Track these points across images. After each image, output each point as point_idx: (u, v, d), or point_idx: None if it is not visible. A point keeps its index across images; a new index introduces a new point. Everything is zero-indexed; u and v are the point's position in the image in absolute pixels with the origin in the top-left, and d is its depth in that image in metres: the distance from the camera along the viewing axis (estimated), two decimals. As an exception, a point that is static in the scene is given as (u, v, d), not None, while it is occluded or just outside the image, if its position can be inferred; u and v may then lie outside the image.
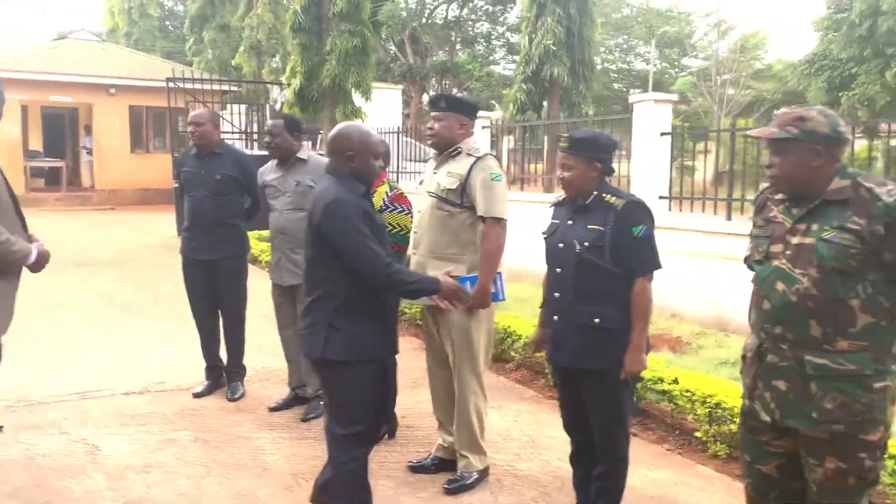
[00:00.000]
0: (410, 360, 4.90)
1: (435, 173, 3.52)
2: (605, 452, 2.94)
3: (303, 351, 2.94)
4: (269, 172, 4.47)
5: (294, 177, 4.33)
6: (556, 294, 2.98)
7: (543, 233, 3.11)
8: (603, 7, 32.95)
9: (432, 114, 3.48)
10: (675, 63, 35.19)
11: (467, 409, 3.50)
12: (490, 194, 3.34)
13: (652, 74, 32.30)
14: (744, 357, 2.48)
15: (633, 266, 2.84)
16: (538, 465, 3.86)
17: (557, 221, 3.04)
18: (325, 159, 4.53)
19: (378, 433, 3.12)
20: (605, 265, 2.84)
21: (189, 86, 12.92)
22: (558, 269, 2.98)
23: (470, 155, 3.43)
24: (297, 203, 4.27)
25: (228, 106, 17.35)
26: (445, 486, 3.52)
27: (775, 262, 2.30)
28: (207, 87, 13.47)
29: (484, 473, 3.62)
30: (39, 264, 3.12)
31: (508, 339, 5.59)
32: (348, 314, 2.77)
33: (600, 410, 2.92)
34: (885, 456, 2.95)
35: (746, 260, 2.47)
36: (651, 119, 7.70)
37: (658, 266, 2.90)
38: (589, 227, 2.89)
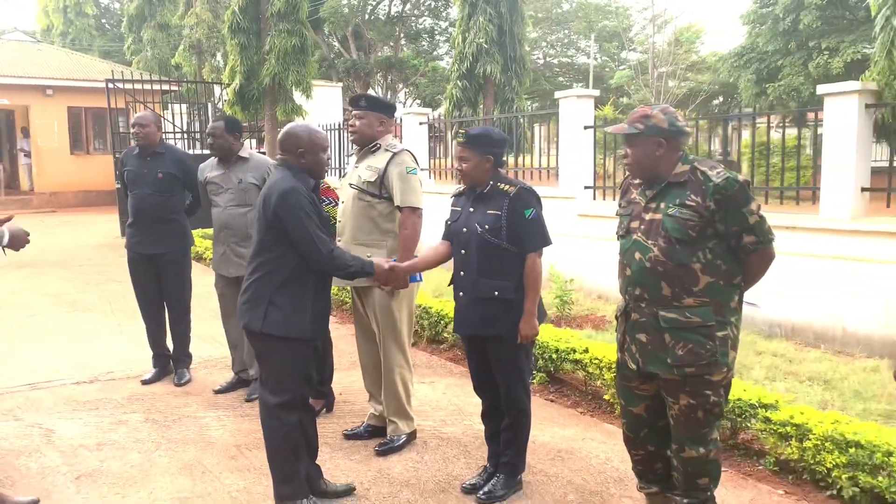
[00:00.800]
0: (350, 343, 5.27)
1: (356, 167, 3.89)
2: (510, 406, 3.36)
3: (241, 322, 3.19)
4: (210, 170, 4.77)
5: (236, 174, 4.64)
6: (462, 273, 3.38)
7: (447, 220, 3.51)
8: (543, 3, 33.65)
9: (353, 112, 3.84)
10: (615, 57, 36.06)
11: (394, 380, 3.88)
12: (406, 186, 3.72)
13: (592, 68, 33.06)
14: (616, 317, 2.93)
15: (525, 244, 3.26)
16: (461, 429, 4.27)
17: (459, 209, 3.45)
18: (266, 157, 4.88)
19: (307, 401, 3.38)
20: (502, 244, 3.25)
21: (129, 86, 12.95)
22: (463, 251, 3.37)
23: (387, 150, 3.80)
24: (239, 199, 4.61)
25: (170, 106, 17.35)
26: (376, 448, 3.91)
27: (634, 236, 2.77)
28: (148, 87, 13.49)
29: (411, 437, 4.02)
30: (16, 242, 3.30)
31: (442, 322, 5.98)
32: (288, 293, 3.07)
33: (503, 371, 3.34)
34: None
35: (616, 236, 2.92)
36: (575, 113, 8.17)
37: (547, 243, 3.30)
38: (488, 212, 3.29)
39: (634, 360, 2.80)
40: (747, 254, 2.67)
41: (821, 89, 6.12)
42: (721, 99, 31.11)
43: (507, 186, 3.28)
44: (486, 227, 3.26)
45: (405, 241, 3.71)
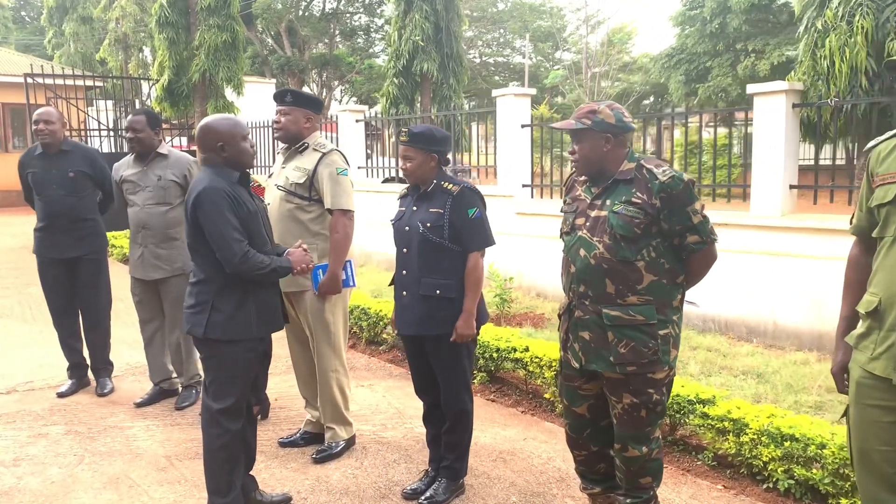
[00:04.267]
0: (284, 346, 5.09)
1: (283, 167, 3.73)
2: (450, 407, 3.29)
3: (185, 328, 3.07)
4: (125, 168, 4.50)
5: (155, 171, 4.40)
6: (404, 272, 3.30)
7: (392, 220, 3.42)
8: (479, 2, 33.79)
9: (278, 108, 3.68)
10: (549, 57, 36.51)
11: (330, 386, 3.76)
12: (337, 188, 3.59)
13: (528, 68, 33.37)
14: (559, 316, 2.89)
15: (467, 243, 3.20)
16: (402, 433, 4.18)
17: (404, 209, 3.37)
18: (185, 154, 4.66)
19: (250, 410, 3.28)
20: (444, 243, 3.18)
21: (50, 81, 12.37)
22: (405, 249, 3.30)
23: (316, 150, 3.67)
24: (159, 197, 4.38)
25: (94, 102, 16.68)
26: (314, 455, 3.78)
27: (579, 233, 2.72)
28: (70, 82, 12.91)
29: (350, 442, 3.91)
30: None
31: (381, 323, 5.88)
32: (229, 296, 2.96)
33: (443, 370, 3.26)
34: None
35: (560, 233, 2.88)
36: (512, 112, 8.17)
37: (490, 243, 3.25)
38: (430, 210, 3.23)
39: (577, 358, 2.76)
40: (690, 253, 2.66)
41: (750, 89, 6.25)
42: (652, 99, 31.84)
43: (450, 185, 3.22)
44: (428, 225, 3.19)
45: (336, 244, 3.59)
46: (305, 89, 32.21)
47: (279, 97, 3.70)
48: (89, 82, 15.20)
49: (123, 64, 20.29)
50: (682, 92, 21.27)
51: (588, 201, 2.74)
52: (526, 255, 7.77)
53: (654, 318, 2.62)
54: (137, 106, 16.28)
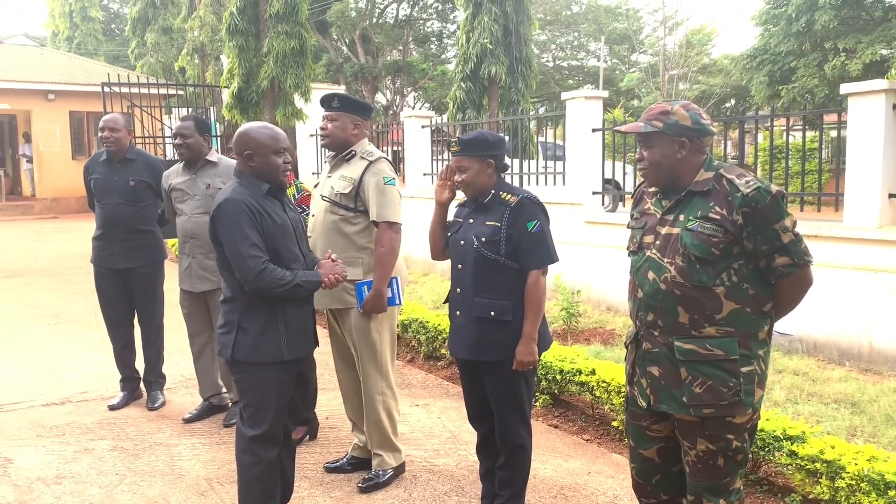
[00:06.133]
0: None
1: (329, 177, 3.51)
2: (505, 441, 2.99)
3: (217, 349, 2.93)
4: (175, 176, 4.38)
5: (204, 180, 4.26)
6: (458, 290, 3.03)
7: (449, 232, 3.15)
8: (552, 5, 33.30)
9: (324, 114, 3.46)
10: (625, 59, 35.67)
11: (376, 409, 3.51)
12: (383, 199, 3.34)
13: (602, 71, 32.67)
14: (626, 346, 2.55)
15: (527, 260, 2.90)
16: (455, 460, 3.90)
17: (461, 220, 3.10)
18: (235, 161, 4.50)
19: (288, 436, 3.09)
20: (500, 259, 2.90)
21: (126, 90, 12.67)
22: (459, 266, 3.03)
23: (363, 158, 3.43)
24: (207, 206, 4.21)
25: (172, 110, 17.08)
26: (359, 484, 3.54)
27: (647, 252, 2.37)
28: (145, 90, 13.21)
29: (399, 470, 3.64)
30: None
31: (440, 338, 5.62)
32: (255, 315, 2.78)
33: (498, 400, 2.97)
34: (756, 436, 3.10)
35: (627, 252, 2.54)
36: (582, 115, 7.80)
37: (552, 260, 2.94)
38: (487, 223, 2.95)
39: (645, 397, 2.41)
40: (779, 277, 2.27)
41: (845, 88, 5.72)
42: (733, 102, 30.68)
43: (509, 196, 2.94)
44: (483, 239, 2.92)
45: (382, 259, 3.34)
46: (379, 96, 32.44)
47: (326, 102, 3.48)
48: (164, 90, 15.53)
49: (201, 72, 20.75)
50: (765, 94, 20.33)
51: (658, 216, 2.38)
52: (595, 267, 7.38)
53: (735, 354, 2.25)
54: (213, 113, 16.57)
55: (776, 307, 2.33)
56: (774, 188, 2.22)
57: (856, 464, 3.09)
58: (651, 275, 2.34)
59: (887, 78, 5.98)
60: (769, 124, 8.26)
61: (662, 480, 2.53)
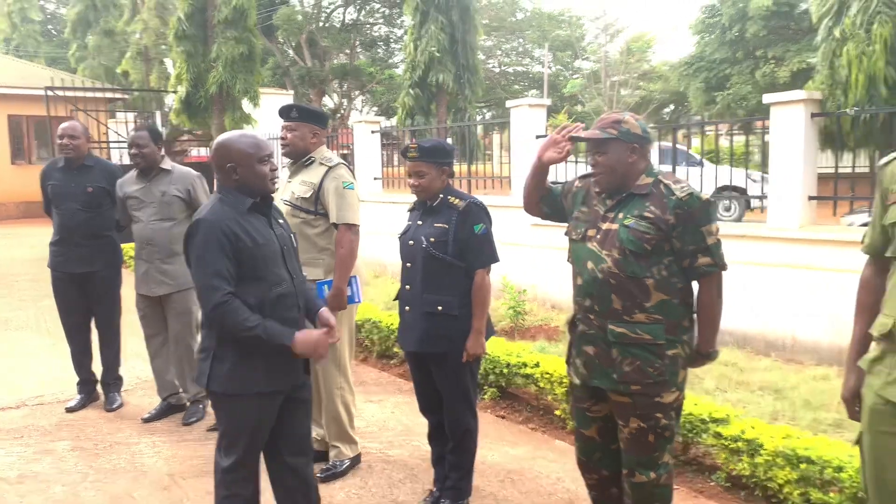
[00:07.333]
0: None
1: (289, 182, 3.70)
2: (453, 428, 3.23)
3: (195, 375, 2.77)
4: (129, 184, 4.48)
5: (159, 187, 4.39)
6: (408, 286, 3.26)
7: (399, 234, 3.37)
8: (497, 11, 33.79)
9: (284, 124, 3.65)
10: (569, 65, 36.39)
11: (334, 403, 3.71)
12: (342, 202, 3.55)
13: (547, 77, 33.29)
14: (567, 328, 2.82)
15: (473, 260, 3.14)
16: (409, 451, 4.12)
17: (410, 223, 3.32)
18: (189, 168, 4.64)
19: (290, 473, 2.81)
20: (448, 259, 3.13)
21: (70, 94, 12.52)
22: (409, 264, 3.25)
23: (322, 164, 3.63)
24: (163, 213, 4.36)
25: (116, 115, 16.87)
26: (318, 474, 3.72)
27: (589, 244, 2.65)
28: (90, 94, 13.06)
29: (356, 461, 3.85)
30: None
31: (392, 337, 5.82)
32: (231, 344, 2.56)
33: (446, 389, 3.21)
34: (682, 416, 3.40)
35: (568, 237, 2.80)
36: (527, 123, 8.11)
37: (496, 260, 3.20)
38: (435, 225, 3.18)
39: (579, 374, 2.69)
40: (700, 276, 2.57)
41: (767, 98, 6.14)
42: (673, 107, 31.61)
43: (456, 200, 3.18)
44: (432, 240, 3.15)
45: (341, 259, 3.54)
46: (326, 99, 32.38)
47: (284, 113, 3.67)
48: (109, 94, 15.36)
49: (145, 76, 20.51)
50: (702, 100, 21.08)
51: (601, 213, 2.66)
52: (541, 267, 7.68)
53: (661, 338, 2.54)
54: (159, 118, 16.44)
55: (700, 316, 2.62)
56: (705, 196, 2.53)
57: (773, 440, 3.42)
58: (590, 264, 2.61)
59: (806, 88, 6.41)
60: (703, 130, 8.72)
61: (603, 457, 2.80)
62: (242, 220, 2.57)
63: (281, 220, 2.78)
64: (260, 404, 2.61)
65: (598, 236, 2.62)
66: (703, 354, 2.67)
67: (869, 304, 2.21)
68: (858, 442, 2.17)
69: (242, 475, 2.65)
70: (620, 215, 2.59)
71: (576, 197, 2.83)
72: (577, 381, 2.71)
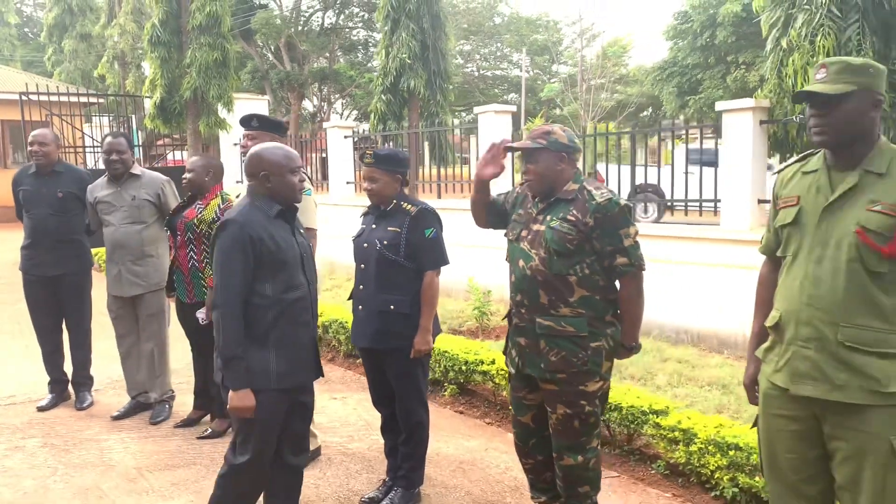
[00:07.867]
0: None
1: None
2: (405, 420, 3.42)
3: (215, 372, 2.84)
4: (100, 189, 4.65)
5: (129, 192, 4.56)
6: (361, 287, 3.45)
7: (353, 237, 3.57)
8: (475, 16, 34.08)
9: (245, 133, 3.84)
10: (546, 69, 36.77)
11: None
12: (301, 207, 3.73)
13: (524, 81, 33.63)
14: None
15: (423, 262, 3.34)
16: (367, 444, 4.31)
17: (364, 226, 3.52)
18: (157, 173, 4.81)
19: (291, 473, 2.97)
20: (400, 260, 3.33)
21: (45, 98, 12.57)
22: (363, 266, 3.44)
23: None
24: (134, 217, 4.54)
25: (92, 118, 16.89)
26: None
27: (521, 244, 2.88)
28: (66, 99, 13.11)
29: (315, 454, 4.03)
30: None
31: (358, 336, 5.99)
32: (247, 341, 2.68)
33: (398, 384, 3.40)
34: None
35: (505, 235, 3.04)
36: (493, 128, 8.32)
37: (445, 262, 3.40)
38: (389, 229, 3.38)
39: (513, 363, 2.93)
40: (619, 276, 2.80)
41: (719, 106, 6.40)
42: (650, 110, 32.04)
43: (409, 206, 3.37)
44: (385, 242, 3.33)
45: None
46: (306, 103, 32.48)
47: (246, 122, 3.86)
48: (85, 99, 15.40)
49: (121, 80, 20.54)
50: (675, 104, 21.47)
51: (533, 215, 2.89)
52: (505, 269, 7.86)
53: (584, 331, 2.76)
54: (135, 122, 16.48)
55: (624, 314, 2.85)
56: (623, 201, 2.76)
57: (706, 430, 3.64)
58: (521, 262, 2.85)
59: (755, 96, 6.69)
60: (669, 135, 8.97)
61: (537, 443, 3.03)
62: (269, 225, 2.76)
63: (302, 230, 2.98)
64: (274, 399, 2.72)
65: (529, 237, 2.86)
66: (627, 347, 2.89)
67: (766, 299, 2.43)
68: (755, 425, 2.39)
69: (249, 474, 2.76)
70: (548, 217, 2.83)
71: (515, 201, 3.06)
72: (512, 370, 2.94)
